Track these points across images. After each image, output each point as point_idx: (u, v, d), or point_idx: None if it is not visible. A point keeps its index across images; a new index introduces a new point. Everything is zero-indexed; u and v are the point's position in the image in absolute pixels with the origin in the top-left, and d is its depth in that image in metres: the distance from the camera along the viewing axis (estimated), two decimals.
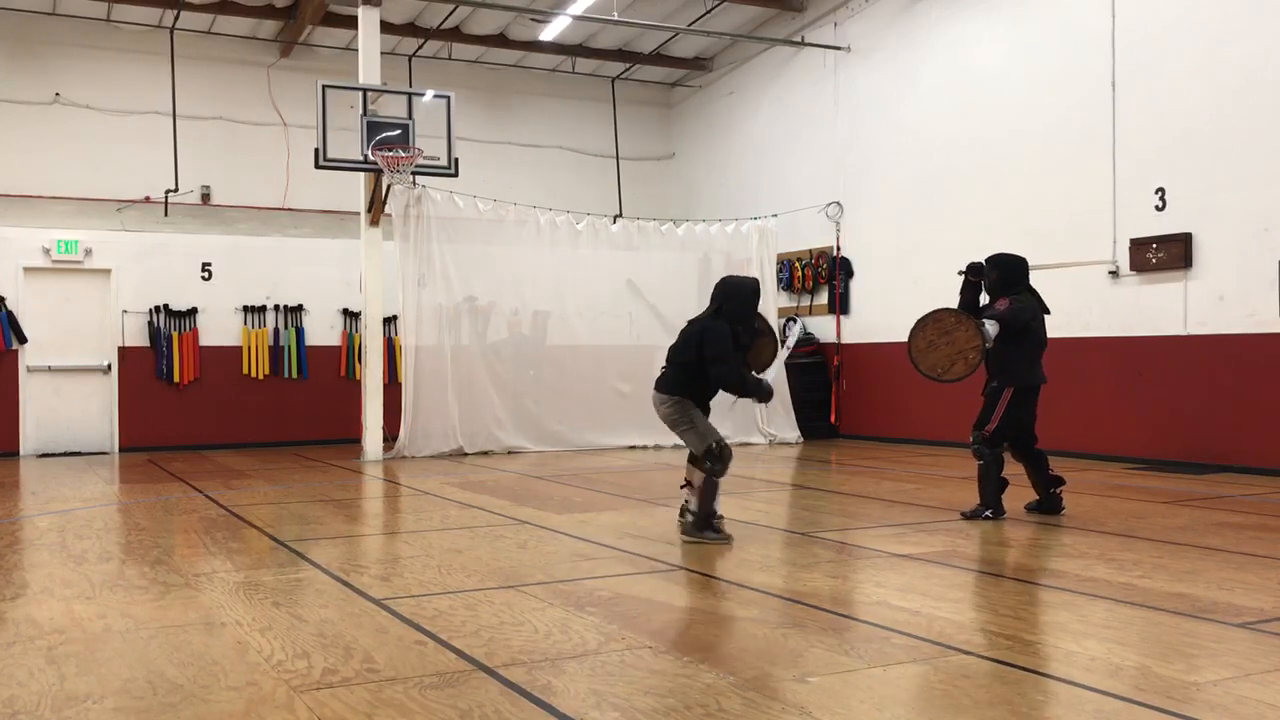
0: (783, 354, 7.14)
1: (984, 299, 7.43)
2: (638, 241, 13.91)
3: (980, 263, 7.41)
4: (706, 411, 6.73)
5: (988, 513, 7.18)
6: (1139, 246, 10.61)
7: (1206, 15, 10.17)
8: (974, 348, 6.89)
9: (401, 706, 3.43)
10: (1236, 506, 7.82)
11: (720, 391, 6.65)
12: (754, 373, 6.76)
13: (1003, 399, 7.18)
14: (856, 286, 14.29)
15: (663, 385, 6.66)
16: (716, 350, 6.40)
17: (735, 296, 6.61)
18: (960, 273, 7.50)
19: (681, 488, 6.74)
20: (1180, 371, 10.37)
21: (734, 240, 14.35)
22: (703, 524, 6.47)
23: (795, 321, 12.22)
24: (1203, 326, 10.19)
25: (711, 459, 6.43)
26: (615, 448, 13.17)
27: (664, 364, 6.77)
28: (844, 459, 11.99)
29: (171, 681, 3.72)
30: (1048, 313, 7.35)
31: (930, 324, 7.13)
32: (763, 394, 6.59)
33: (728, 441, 6.63)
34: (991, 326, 7.03)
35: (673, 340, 6.82)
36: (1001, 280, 7.28)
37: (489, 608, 4.77)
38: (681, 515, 6.73)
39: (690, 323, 6.77)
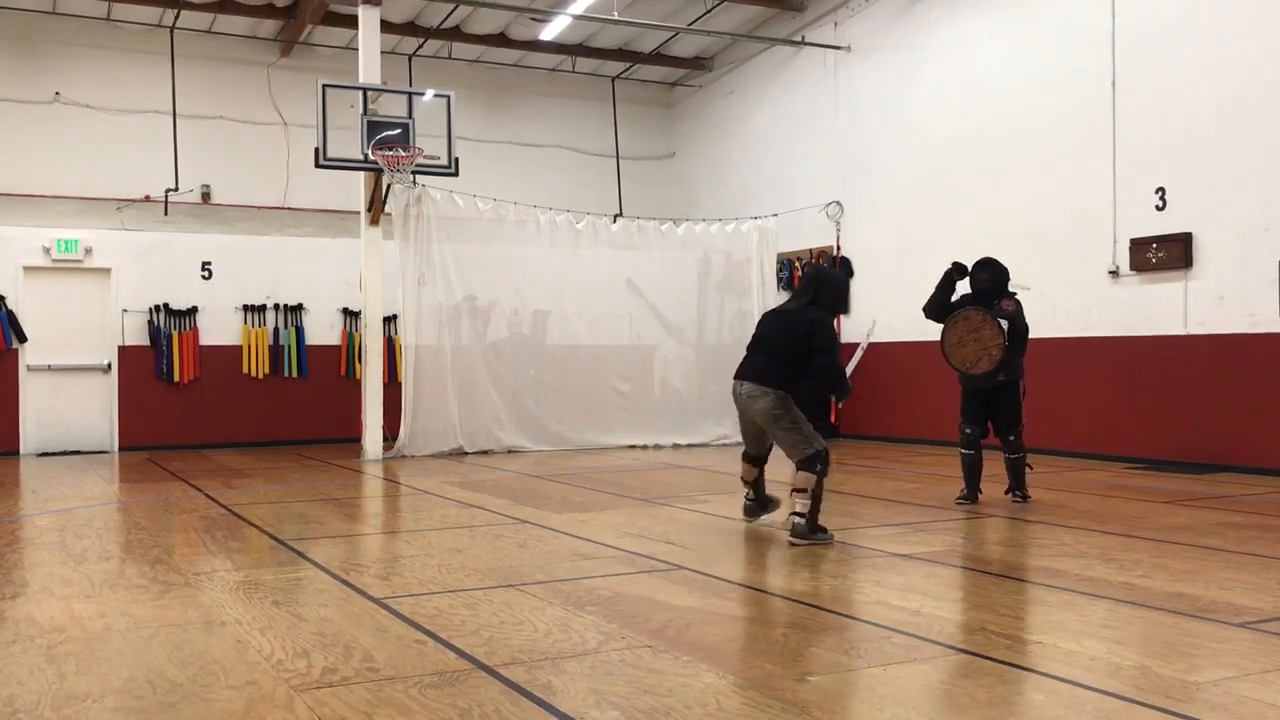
0: (859, 354, 7.55)
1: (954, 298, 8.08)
2: (638, 241, 13.91)
3: (962, 263, 8.04)
4: None
5: (1026, 497, 7.95)
6: (1139, 246, 10.61)
7: (1206, 15, 10.17)
8: (996, 345, 7.48)
9: (401, 706, 3.43)
10: (1236, 506, 7.82)
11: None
12: None
13: (1020, 394, 7.88)
14: (856, 286, 14.28)
15: (759, 376, 6.45)
16: (828, 341, 6.39)
17: (830, 287, 6.69)
18: (953, 264, 8.06)
19: (746, 494, 7.01)
20: (1180, 371, 10.36)
21: (734, 240, 14.34)
22: (816, 526, 6.26)
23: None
24: (1203, 326, 10.19)
25: (823, 462, 6.27)
26: (615, 447, 13.17)
27: (753, 354, 6.61)
28: (844, 459, 11.98)
29: (171, 681, 3.72)
30: None
31: (960, 321, 7.70)
32: (847, 391, 6.83)
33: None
34: (1004, 323, 7.60)
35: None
36: (995, 282, 7.88)
37: (489, 607, 4.77)
38: (747, 513, 7.03)
39: (779, 313, 6.77)
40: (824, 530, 6.28)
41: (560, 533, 6.90)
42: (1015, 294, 7.91)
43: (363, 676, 3.75)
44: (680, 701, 3.43)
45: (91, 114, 14.18)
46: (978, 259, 8.03)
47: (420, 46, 15.62)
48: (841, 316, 14.30)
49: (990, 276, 7.87)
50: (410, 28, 15.01)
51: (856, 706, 3.42)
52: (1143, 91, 10.67)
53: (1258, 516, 7.34)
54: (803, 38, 14.77)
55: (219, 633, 4.38)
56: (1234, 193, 9.89)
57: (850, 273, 14.34)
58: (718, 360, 14.07)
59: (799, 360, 6.38)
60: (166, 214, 14.30)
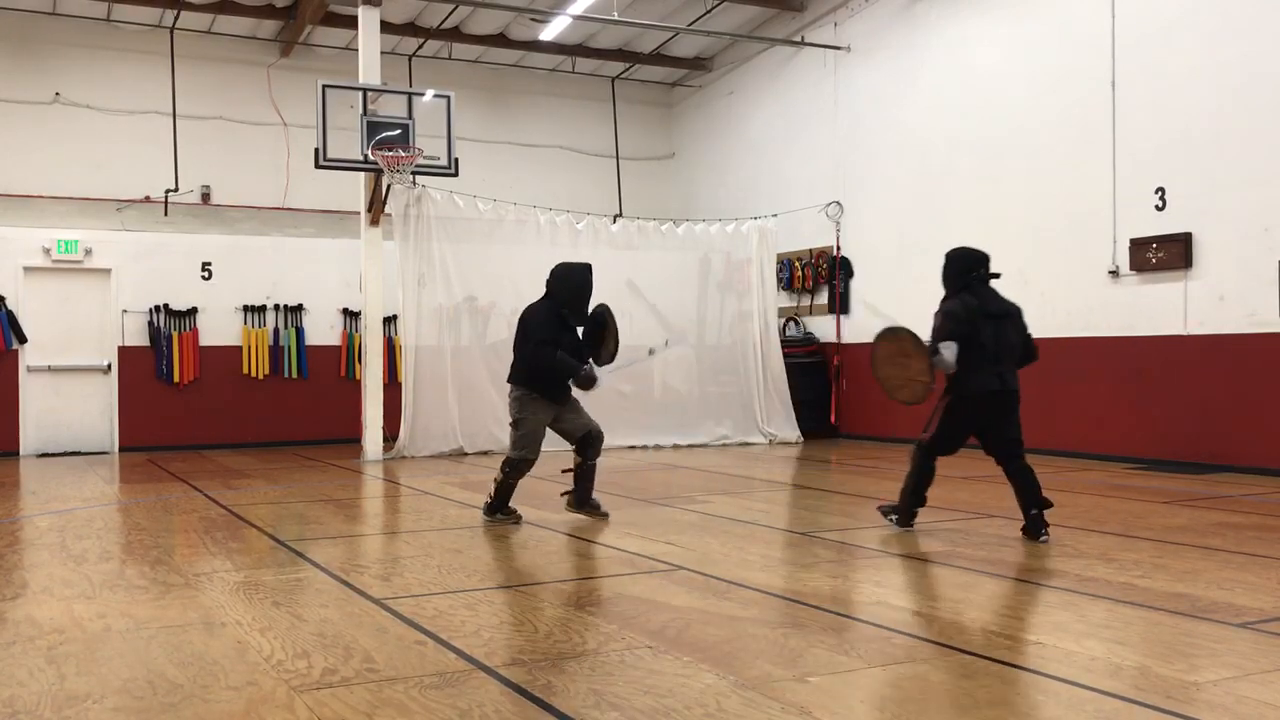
0: (636, 358, 7.83)
1: None
2: (638, 241, 13.90)
3: None
4: (565, 398, 7.14)
5: (893, 517, 6.78)
6: (1139, 246, 10.61)
7: (1206, 15, 10.17)
8: (922, 383, 6.49)
9: (401, 706, 3.43)
10: (1236, 506, 7.82)
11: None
12: (596, 364, 7.16)
13: (939, 408, 6.64)
14: (856, 286, 14.28)
15: (510, 375, 7.14)
16: (537, 332, 6.93)
17: (563, 280, 7.14)
18: None
19: (564, 471, 7.42)
20: (1180, 371, 10.36)
21: (734, 240, 14.34)
22: (494, 509, 7.25)
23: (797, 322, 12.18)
24: (1203, 326, 10.19)
25: (509, 466, 7.10)
26: (615, 448, 13.13)
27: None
28: (844, 459, 11.99)
29: (171, 681, 3.72)
30: (1007, 313, 6.59)
31: (895, 338, 6.72)
32: (581, 380, 7.01)
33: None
34: (948, 350, 6.40)
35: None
36: (944, 275, 6.74)
37: (489, 608, 4.77)
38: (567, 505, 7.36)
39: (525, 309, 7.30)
40: (505, 513, 7.22)
41: (560, 533, 6.90)
42: (961, 291, 6.56)
43: (363, 677, 3.75)
44: (680, 701, 3.43)
45: (91, 114, 14.17)
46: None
47: (420, 47, 15.61)
48: (842, 316, 14.31)
49: (943, 269, 6.74)
50: (410, 28, 15.01)
51: (856, 706, 3.41)
52: (1143, 91, 10.67)
53: (1258, 516, 7.34)
54: (802, 38, 14.77)
55: (219, 633, 4.38)
56: (1234, 193, 9.89)
57: (851, 273, 14.34)
58: (718, 360, 14.08)
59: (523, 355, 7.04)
60: (166, 214, 14.30)
